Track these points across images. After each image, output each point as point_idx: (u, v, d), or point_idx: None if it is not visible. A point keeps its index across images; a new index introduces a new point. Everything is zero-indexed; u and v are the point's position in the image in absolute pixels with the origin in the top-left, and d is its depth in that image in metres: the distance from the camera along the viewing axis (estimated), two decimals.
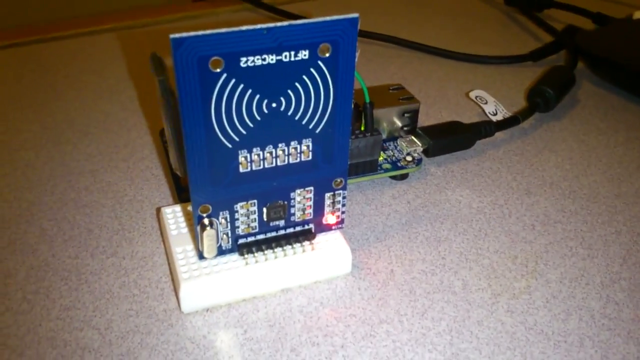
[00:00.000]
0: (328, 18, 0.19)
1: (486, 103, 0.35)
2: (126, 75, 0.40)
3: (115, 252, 0.25)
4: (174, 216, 0.25)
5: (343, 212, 0.24)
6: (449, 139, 0.31)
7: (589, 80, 0.41)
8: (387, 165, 0.29)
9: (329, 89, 0.20)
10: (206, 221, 0.21)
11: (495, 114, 0.35)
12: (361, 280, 0.24)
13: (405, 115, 0.31)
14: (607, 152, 0.33)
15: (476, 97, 0.35)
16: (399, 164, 0.29)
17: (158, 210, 0.27)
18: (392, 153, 0.30)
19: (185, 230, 0.24)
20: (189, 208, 0.23)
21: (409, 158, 0.30)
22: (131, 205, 0.28)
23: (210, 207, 0.21)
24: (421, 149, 0.30)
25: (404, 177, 0.30)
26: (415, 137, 0.31)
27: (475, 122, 0.33)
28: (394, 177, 0.30)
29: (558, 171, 0.31)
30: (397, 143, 0.31)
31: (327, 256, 0.23)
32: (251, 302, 0.23)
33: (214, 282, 0.22)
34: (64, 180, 0.29)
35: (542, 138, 0.34)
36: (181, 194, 0.27)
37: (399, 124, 0.31)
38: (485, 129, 0.32)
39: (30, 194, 0.28)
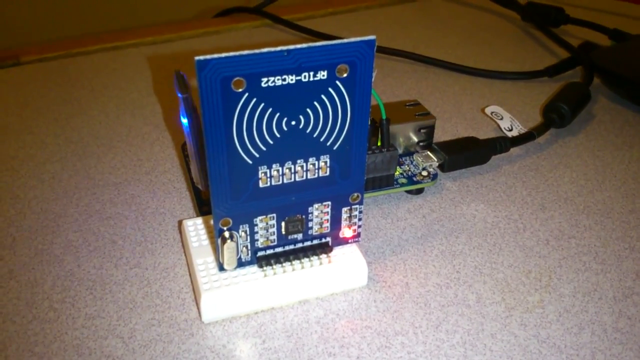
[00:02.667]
0: (346, 40, 0.19)
1: (502, 119, 0.36)
2: (149, 90, 0.41)
3: (139, 263, 0.26)
4: (195, 228, 0.25)
5: (359, 226, 0.24)
6: (465, 154, 0.32)
7: (604, 95, 0.41)
8: (403, 180, 0.30)
9: (347, 107, 0.21)
10: (227, 234, 0.22)
11: (510, 130, 0.35)
12: (377, 293, 0.25)
13: (421, 130, 0.31)
14: (622, 168, 0.33)
15: (492, 112, 0.36)
16: (414, 179, 0.30)
17: (180, 222, 0.28)
18: (408, 168, 0.31)
19: (206, 242, 0.25)
20: (211, 221, 0.24)
21: (424, 173, 0.30)
22: (154, 218, 0.29)
23: (231, 221, 0.22)
24: (437, 164, 0.31)
25: (419, 191, 0.30)
26: (431, 152, 0.31)
27: (490, 137, 0.33)
28: (409, 192, 0.30)
29: (573, 187, 0.32)
30: (413, 158, 0.31)
31: (343, 269, 0.24)
32: (269, 313, 0.24)
33: (234, 293, 0.23)
34: (89, 193, 0.30)
35: (557, 153, 0.34)
36: (202, 207, 0.28)
37: (415, 139, 0.32)
38: (501, 144, 0.33)
39: (56, 205, 0.29)
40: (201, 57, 0.18)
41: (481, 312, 0.24)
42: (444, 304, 0.24)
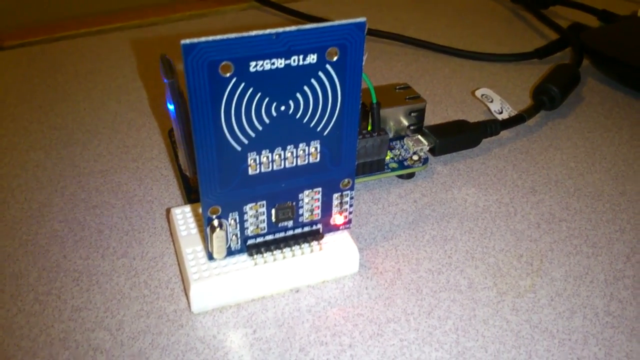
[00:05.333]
0: (336, 22, 0.19)
1: (492, 101, 0.35)
2: (134, 75, 0.40)
3: (126, 252, 0.25)
4: (184, 217, 0.25)
5: (350, 213, 0.24)
6: (455, 137, 0.31)
7: (594, 77, 0.41)
8: (394, 165, 0.30)
9: (337, 92, 0.20)
10: (216, 222, 0.22)
11: (501, 112, 0.35)
12: (368, 280, 0.24)
13: (412, 114, 0.31)
14: (611, 150, 0.33)
15: (482, 95, 0.36)
16: (405, 163, 0.30)
17: (168, 211, 0.27)
18: (398, 152, 0.30)
19: (195, 230, 0.24)
20: (199, 209, 0.24)
21: (415, 157, 0.30)
22: (141, 206, 0.28)
23: (220, 209, 0.21)
24: (427, 148, 0.30)
25: (410, 176, 0.30)
26: (421, 136, 0.31)
27: (481, 120, 0.33)
28: (400, 176, 0.30)
29: (563, 169, 0.31)
30: (403, 142, 0.31)
31: (335, 256, 0.24)
32: (260, 302, 0.23)
33: (224, 282, 0.22)
34: (74, 181, 0.30)
35: (548, 136, 0.34)
36: (190, 195, 0.27)
37: (405, 123, 0.31)
38: (491, 127, 0.32)
39: (40, 194, 0.29)
40: (187, 41, 0.17)
41: (473, 297, 0.24)
42: (436, 289, 0.24)
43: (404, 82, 0.34)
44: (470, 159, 0.32)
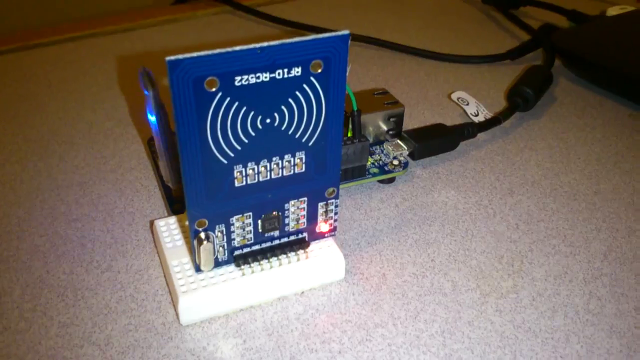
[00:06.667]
0: (320, 36, 0.19)
1: (468, 104, 0.36)
2: (110, 83, 0.40)
3: (110, 266, 0.25)
4: (168, 228, 0.25)
5: (335, 220, 0.24)
6: (434, 141, 0.32)
7: (566, 77, 0.42)
8: (375, 170, 0.30)
9: (321, 103, 0.21)
10: (203, 235, 0.22)
11: (476, 115, 0.35)
12: (355, 286, 0.25)
13: (391, 119, 0.31)
14: (585, 150, 0.34)
15: (458, 98, 0.36)
16: (386, 168, 0.30)
17: (151, 222, 0.27)
18: (379, 157, 0.31)
19: (180, 242, 0.24)
20: (185, 222, 0.24)
21: (395, 162, 0.30)
22: (122, 218, 0.28)
23: (207, 222, 0.21)
24: (407, 152, 0.31)
25: (391, 180, 0.31)
26: (400, 140, 0.31)
27: (458, 124, 0.33)
28: (381, 181, 0.30)
29: (539, 170, 0.32)
30: (383, 147, 0.31)
31: (321, 264, 0.24)
32: (248, 312, 0.23)
33: (212, 294, 0.22)
34: (53, 194, 0.29)
35: (523, 137, 0.35)
36: (173, 205, 0.27)
37: (384, 128, 0.32)
38: (468, 130, 0.33)
39: (19, 209, 0.28)
40: (172, 58, 0.17)
41: (457, 299, 0.24)
42: (421, 293, 0.24)
43: (381, 87, 0.34)
44: (449, 162, 0.33)
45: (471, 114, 0.35)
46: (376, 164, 0.30)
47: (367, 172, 0.30)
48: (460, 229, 0.28)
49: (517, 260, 0.26)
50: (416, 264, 0.26)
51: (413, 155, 0.31)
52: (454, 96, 0.36)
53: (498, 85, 0.41)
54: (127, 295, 0.24)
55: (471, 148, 0.34)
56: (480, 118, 0.35)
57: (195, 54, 0.18)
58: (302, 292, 0.24)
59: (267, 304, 0.24)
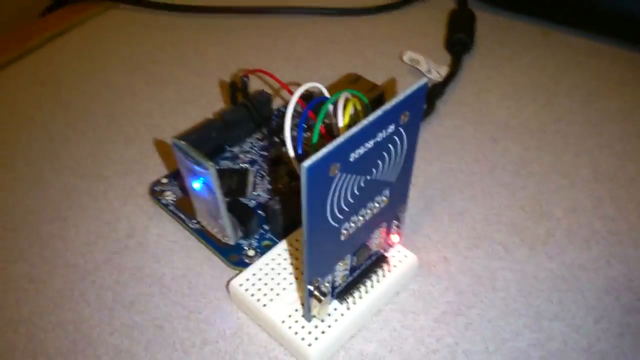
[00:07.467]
0: (407, 92, 0.20)
1: (419, 63, 0.38)
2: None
3: (205, 339, 0.25)
4: (247, 285, 0.25)
5: (401, 229, 0.26)
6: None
7: (482, 10, 0.45)
8: None
9: (404, 144, 0.22)
10: (318, 292, 0.23)
11: (429, 72, 0.38)
12: (429, 277, 0.27)
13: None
14: (524, 80, 0.38)
15: (410, 59, 0.38)
16: None
17: (227, 284, 0.27)
18: None
19: (263, 294, 0.25)
20: (256, 270, 0.25)
21: None
22: (181, 286, 0.27)
23: (319, 279, 0.23)
24: None
25: None
26: None
27: (432, 84, 0.36)
28: None
29: (503, 110, 0.36)
30: None
31: (403, 271, 0.26)
32: (359, 337, 0.25)
33: (332, 336, 0.24)
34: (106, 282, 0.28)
35: (472, 81, 0.38)
36: (229, 256, 0.27)
37: None
38: (437, 89, 0.36)
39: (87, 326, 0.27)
40: (308, 163, 0.18)
41: (514, 259, 0.28)
42: (484, 264, 0.28)
43: (351, 72, 0.35)
44: (430, 126, 0.35)
45: (425, 71, 0.38)
46: None
47: None
48: (477, 190, 0.31)
49: (536, 205, 0.30)
50: (463, 237, 0.29)
51: None
52: (406, 58, 0.38)
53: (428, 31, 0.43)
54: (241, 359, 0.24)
55: (441, 104, 0.36)
56: (434, 74, 0.38)
57: (325, 151, 0.18)
58: (391, 300, 0.26)
59: (368, 324, 0.26)
